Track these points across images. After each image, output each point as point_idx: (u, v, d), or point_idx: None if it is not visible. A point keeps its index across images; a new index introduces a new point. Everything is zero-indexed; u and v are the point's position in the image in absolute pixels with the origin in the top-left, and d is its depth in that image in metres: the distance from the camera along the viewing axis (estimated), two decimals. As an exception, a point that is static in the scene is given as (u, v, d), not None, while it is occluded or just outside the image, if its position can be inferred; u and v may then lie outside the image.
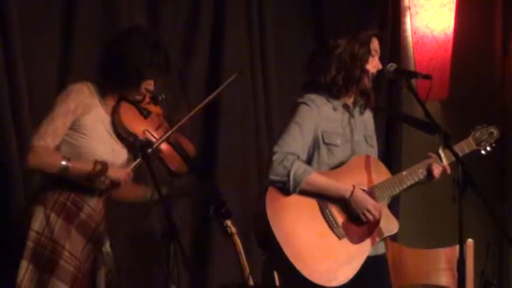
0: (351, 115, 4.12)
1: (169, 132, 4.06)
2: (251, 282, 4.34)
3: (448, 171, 4.10)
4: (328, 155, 4.04)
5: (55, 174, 3.90)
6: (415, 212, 4.11)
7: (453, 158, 4.05)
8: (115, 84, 4.04)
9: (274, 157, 3.96)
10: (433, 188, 4.24)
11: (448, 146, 3.94)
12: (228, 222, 4.31)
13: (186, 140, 4.20)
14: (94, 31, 5.12)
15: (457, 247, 3.84)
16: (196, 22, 5.46)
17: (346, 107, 4.11)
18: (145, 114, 4.08)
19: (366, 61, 4.06)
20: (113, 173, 3.94)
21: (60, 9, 5.06)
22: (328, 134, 4.04)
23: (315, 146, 4.04)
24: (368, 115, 4.21)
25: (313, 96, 4.06)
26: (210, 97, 4.28)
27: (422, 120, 4.09)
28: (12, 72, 4.81)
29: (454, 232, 3.79)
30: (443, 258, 4.83)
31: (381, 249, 4.12)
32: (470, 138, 4.22)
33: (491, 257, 5.21)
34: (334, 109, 4.08)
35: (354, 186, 3.98)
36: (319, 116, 4.03)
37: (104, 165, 3.92)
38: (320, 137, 4.04)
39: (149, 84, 4.05)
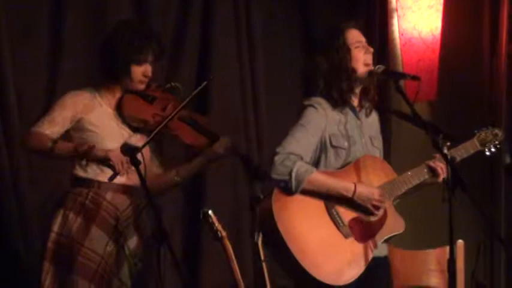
0: (358, 117, 4.11)
1: (177, 110, 4.02)
2: (242, 286, 4.32)
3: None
4: (335, 158, 4.04)
5: (47, 154, 4.03)
6: (404, 213, 4.10)
7: (461, 157, 4.07)
8: (112, 78, 4.14)
9: (276, 157, 3.95)
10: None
11: (437, 148, 3.90)
12: (219, 226, 4.30)
13: (198, 114, 4.30)
14: (82, 40, 5.13)
15: (447, 248, 3.83)
16: (184, 34, 5.47)
17: (352, 109, 4.10)
18: (150, 100, 4.15)
19: (350, 61, 4.03)
20: (100, 153, 4.02)
21: (47, 18, 5.11)
22: (336, 137, 4.04)
23: (322, 149, 4.04)
24: (374, 117, 4.20)
25: (320, 99, 4.06)
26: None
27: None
28: (2, 83, 4.83)
29: (444, 233, 3.78)
30: (434, 259, 4.83)
31: (384, 251, 4.12)
32: (475, 139, 4.20)
33: (482, 257, 5.22)
34: (341, 112, 4.08)
35: (355, 184, 3.96)
36: (327, 119, 4.03)
37: (90, 146, 4.01)
38: (327, 140, 4.03)
39: (146, 71, 4.12)
